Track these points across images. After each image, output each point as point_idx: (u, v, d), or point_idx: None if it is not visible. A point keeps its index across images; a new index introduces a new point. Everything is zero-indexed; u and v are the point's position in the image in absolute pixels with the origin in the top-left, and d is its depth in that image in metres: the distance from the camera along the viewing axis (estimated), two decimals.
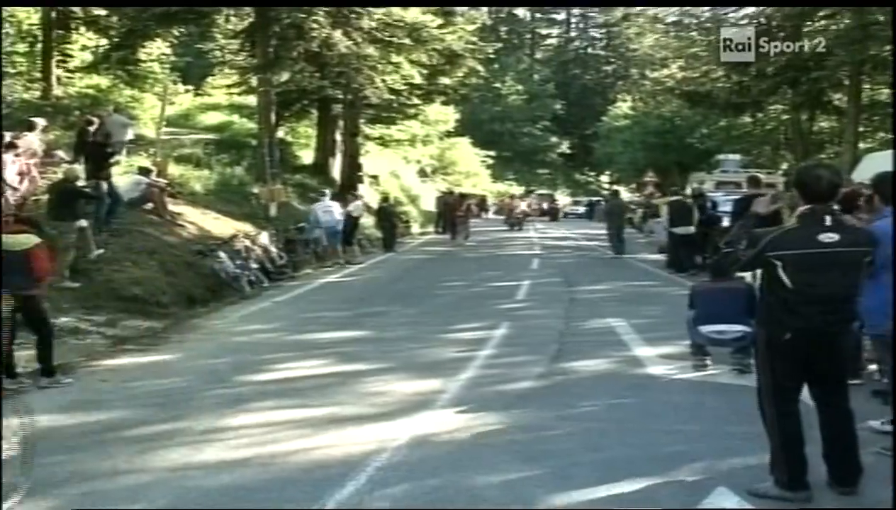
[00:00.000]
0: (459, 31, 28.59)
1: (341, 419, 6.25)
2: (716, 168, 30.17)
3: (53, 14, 21.98)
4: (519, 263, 19.97)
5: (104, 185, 13.43)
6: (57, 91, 21.84)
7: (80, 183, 12.57)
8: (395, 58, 25.74)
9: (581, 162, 74.68)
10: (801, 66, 26.44)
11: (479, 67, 31.28)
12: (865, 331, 6.17)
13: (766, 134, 39.62)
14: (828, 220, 4.41)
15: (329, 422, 6.15)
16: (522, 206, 41.16)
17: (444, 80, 30.49)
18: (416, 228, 33.73)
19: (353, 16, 23.47)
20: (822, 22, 27.64)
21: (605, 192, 44.19)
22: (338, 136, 30.72)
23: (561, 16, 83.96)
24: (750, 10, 30.45)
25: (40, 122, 14.74)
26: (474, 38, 30.00)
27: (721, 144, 40.58)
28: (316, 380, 7.67)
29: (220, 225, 17.03)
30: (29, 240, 7.51)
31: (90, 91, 23.38)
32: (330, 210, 19.40)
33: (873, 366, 6.95)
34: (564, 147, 73.55)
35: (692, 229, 16.92)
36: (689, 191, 21.03)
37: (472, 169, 56.94)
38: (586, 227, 37.15)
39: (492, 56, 35.80)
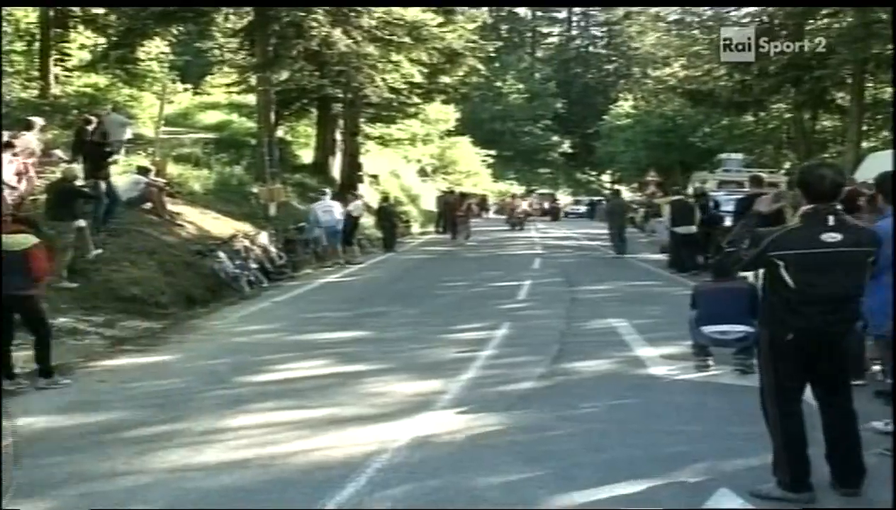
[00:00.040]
0: (460, 30, 28.57)
1: (341, 420, 6.25)
2: (718, 167, 30.18)
3: (51, 13, 21.98)
4: (520, 263, 19.97)
5: (102, 185, 13.43)
6: (55, 90, 21.85)
7: (79, 182, 12.57)
8: (395, 56, 25.75)
9: (582, 161, 74.70)
10: (804, 65, 26.45)
11: (480, 66, 31.26)
12: (869, 332, 6.17)
13: (768, 133, 39.63)
14: (831, 220, 4.41)
15: (329, 423, 6.15)
16: (524, 205, 41.15)
17: (445, 79, 30.48)
18: (416, 228, 33.75)
19: (353, 14, 23.46)
20: (826, 20, 27.64)
21: (607, 192, 44.13)
22: (338, 136, 30.72)
23: (562, 14, 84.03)
24: (752, 8, 30.47)
25: (38, 121, 14.74)
26: (475, 37, 29.99)
27: (723, 143, 40.61)
28: (316, 381, 7.67)
29: (219, 225, 17.03)
30: (27, 240, 7.51)
31: (88, 90, 23.37)
32: (330, 209, 19.39)
33: (877, 367, 6.96)
34: (566, 146, 73.59)
35: (694, 229, 16.93)
36: (691, 190, 21.04)
37: (472, 168, 56.92)
38: (588, 226, 37.17)
39: (492, 54, 35.81)
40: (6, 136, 12.75)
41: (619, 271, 18.29)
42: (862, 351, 6.73)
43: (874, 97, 29.36)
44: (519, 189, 57.88)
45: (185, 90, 33.03)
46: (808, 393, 4.69)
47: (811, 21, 28.26)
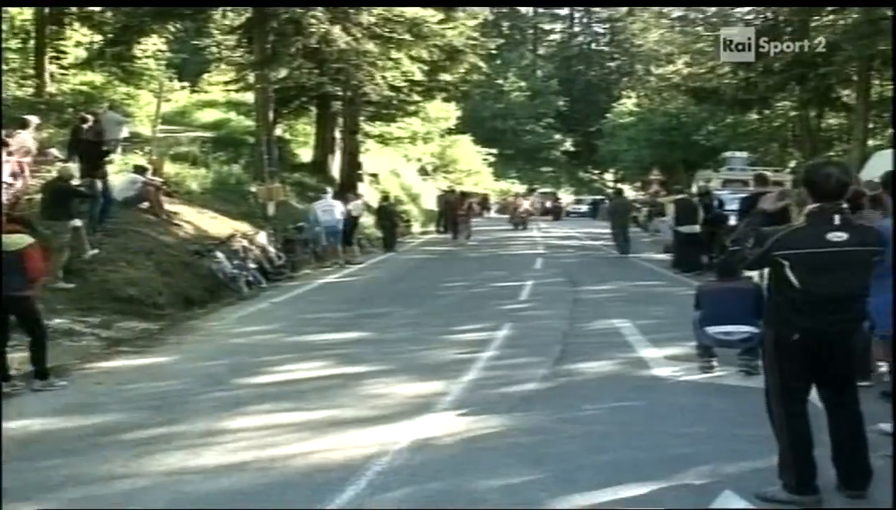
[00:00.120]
0: (460, 27, 28.54)
1: (341, 422, 6.25)
2: (722, 166, 30.20)
3: (47, 10, 21.99)
4: (522, 263, 19.97)
5: (99, 184, 13.43)
6: (50, 88, 21.88)
7: (75, 182, 12.57)
8: (395, 54, 25.72)
9: (585, 160, 74.69)
10: (809, 62, 26.44)
11: (481, 63, 31.23)
12: (875, 332, 6.17)
13: (773, 131, 39.62)
14: (836, 219, 4.41)
15: (329, 425, 6.15)
16: (525, 204, 41.18)
17: (445, 77, 30.44)
18: (416, 228, 33.76)
19: (353, 11, 23.46)
20: (831, 17, 27.62)
21: (610, 191, 44.14)
22: (337, 134, 30.72)
23: (564, 11, 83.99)
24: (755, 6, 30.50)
25: (34, 119, 14.74)
26: (476, 34, 29.97)
27: (727, 142, 40.59)
28: (315, 383, 7.67)
29: (217, 224, 17.03)
30: (22, 240, 7.51)
31: (84, 88, 23.42)
32: (330, 209, 19.39)
33: (883, 368, 6.95)
34: (568, 145, 73.61)
35: (697, 228, 16.94)
36: (695, 189, 21.04)
37: (473, 167, 56.92)
38: (590, 225, 37.15)
39: (494, 52, 35.76)
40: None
41: (623, 271, 18.29)
42: (868, 351, 6.73)
43: (880, 94, 29.35)
44: (521, 188, 57.88)
45: (183, 88, 33.05)
46: (813, 394, 4.69)
47: (816, 17, 28.24)
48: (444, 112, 42.60)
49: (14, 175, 12.56)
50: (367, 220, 25.29)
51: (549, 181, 67.40)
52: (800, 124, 34.46)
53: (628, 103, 62.53)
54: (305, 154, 31.35)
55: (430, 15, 26.09)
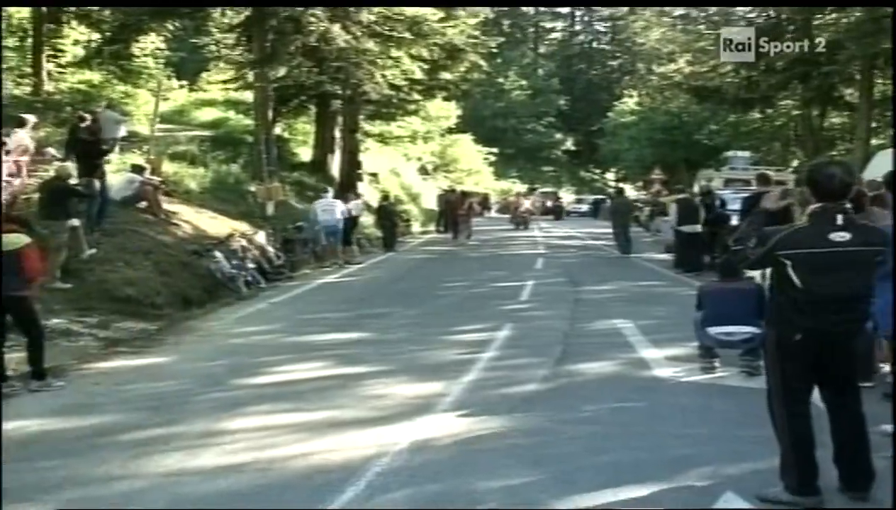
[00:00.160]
0: (461, 25, 28.55)
1: (341, 423, 6.26)
2: (724, 165, 30.21)
3: (44, 8, 21.99)
4: (523, 263, 19.97)
5: (97, 184, 13.43)
6: (48, 87, 21.89)
7: (73, 181, 12.57)
8: (394, 52, 25.74)
9: (586, 159, 74.67)
10: (812, 61, 26.42)
11: (482, 62, 31.22)
12: (879, 333, 6.17)
13: (775, 130, 39.63)
14: (839, 219, 4.41)
15: (328, 426, 6.15)
16: (526, 204, 41.17)
17: (446, 76, 30.45)
18: (416, 227, 33.75)
19: (352, 9, 23.47)
20: (833, 15, 27.61)
21: (611, 190, 44.15)
22: (337, 133, 30.71)
23: (565, 9, 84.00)
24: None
25: (31, 118, 14.75)
26: (476, 32, 29.99)
27: (730, 141, 40.60)
28: (315, 383, 7.67)
29: (215, 224, 17.03)
30: (20, 239, 7.51)
31: (82, 87, 23.43)
32: (330, 209, 19.40)
33: (886, 368, 6.94)
34: (569, 144, 73.62)
35: (699, 228, 16.95)
36: (696, 188, 21.04)
37: (474, 166, 56.95)
38: (591, 225, 37.14)
39: (494, 50, 35.76)
40: None
41: (624, 271, 18.29)
42: (871, 352, 6.73)
43: (883, 93, 29.34)
44: (521, 187, 57.87)
45: (181, 87, 33.06)
46: (815, 395, 4.69)
47: (819, 15, 28.23)
48: (445, 111, 42.60)
49: (11, 174, 12.56)
50: (367, 220, 25.30)
51: (550, 180, 67.39)
52: (802, 123, 34.46)
53: (630, 102, 62.47)
54: (305, 153, 31.35)
55: (431, 13, 26.09)
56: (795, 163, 36.17)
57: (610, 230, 23.61)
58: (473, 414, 6.49)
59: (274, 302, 13.41)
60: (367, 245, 23.87)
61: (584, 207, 52.96)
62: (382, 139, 37.91)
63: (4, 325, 7.66)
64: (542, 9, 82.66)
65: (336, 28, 22.63)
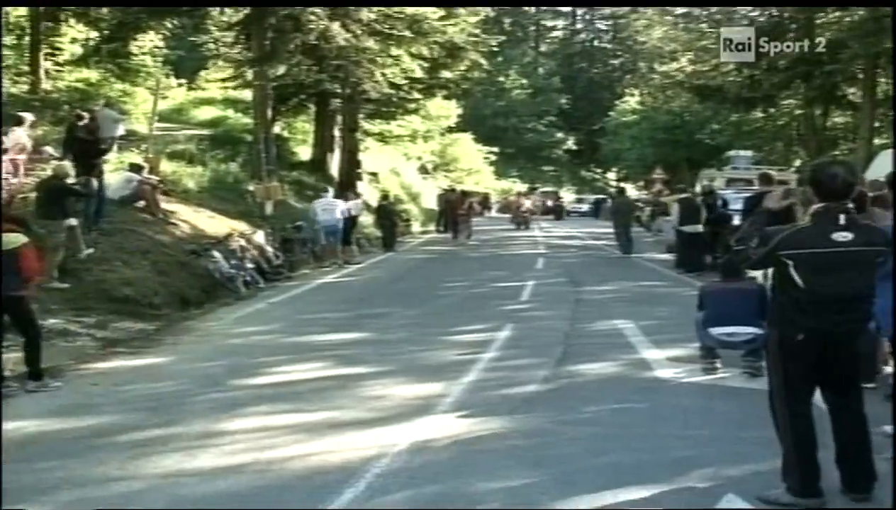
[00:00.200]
0: (461, 24, 28.55)
1: (340, 424, 6.26)
2: (726, 165, 30.20)
3: (42, 7, 21.99)
4: (523, 263, 19.97)
5: (94, 183, 13.43)
6: (46, 85, 21.87)
7: (70, 180, 12.56)
8: (394, 51, 25.73)
9: (587, 158, 74.68)
10: (814, 60, 26.40)
11: (482, 60, 31.23)
12: (882, 333, 6.17)
13: (778, 129, 39.60)
14: (842, 219, 4.41)
15: (327, 427, 6.16)
16: (528, 203, 41.15)
17: (446, 74, 30.45)
18: (416, 227, 33.75)
19: (352, 7, 23.46)
20: (837, 13, 27.60)
21: (612, 190, 44.16)
22: (336, 132, 30.72)
23: (566, 7, 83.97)
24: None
25: (28, 116, 14.75)
26: (477, 31, 29.98)
27: (732, 140, 40.56)
28: (314, 384, 7.68)
29: (214, 223, 17.04)
30: (17, 239, 7.50)
31: (80, 85, 23.40)
32: (330, 208, 19.42)
33: (889, 369, 6.94)
34: (570, 143, 73.60)
35: (700, 228, 16.96)
36: (698, 188, 21.05)
37: (474, 165, 56.96)
38: (592, 225, 37.14)
39: (495, 49, 35.73)
40: None
41: (625, 271, 18.30)
42: (874, 352, 6.73)
43: (886, 93, 29.31)
44: (522, 187, 57.86)
45: (180, 85, 33.07)
46: (817, 396, 4.69)
47: (821, 14, 28.21)
48: (445, 110, 42.60)
49: (8, 173, 12.56)
50: (367, 220, 25.30)
51: (550, 180, 67.37)
52: (805, 123, 34.42)
53: (631, 101, 62.45)
54: (304, 152, 31.35)
55: (431, 11, 26.09)
56: (798, 162, 36.16)
57: (611, 230, 23.62)
58: (473, 415, 6.49)
59: (273, 302, 13.42)
60: (367, 245, 23.87)
61: (585, 207, 52.94)
62: (382, 138, 37.90)
63: (2, 326, 7.65)
64: (543, 7, 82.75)
65: (336, 26, 22.64)
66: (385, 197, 26.64)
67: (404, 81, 27.38)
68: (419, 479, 5.05)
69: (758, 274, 8.09)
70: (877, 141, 28.60)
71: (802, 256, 4.41)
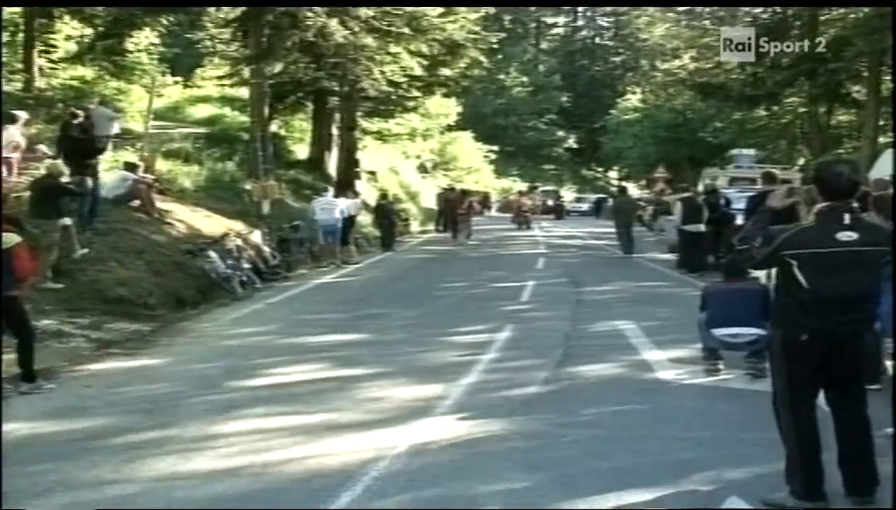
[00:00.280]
0: (461, 21, 28.56)
1: (338, 426, 6.25)
2: (729, 163, 30.15)
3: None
4: (523, 263, 19.97)
5: (89, 182, 13.42)
6: (40, 83, 21.85)
7: (64, 179, 12.55)
8: (393, 48, 25.74)
9: (588, 157, 74.65)
10: (818, 58, 26.40)
11: (482, 58, 31.23)
12: (887, 334, 6.17)
13: (781, 128, 39.57)
14: (847, 218, 4.41)
15: (325, 430, 6.15)
16: (529, 203, 41.10)
17: (445, 72, 30.45)
18: (415, 226, 33.76)
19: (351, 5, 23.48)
20: (841, 10, 27.60)
21: (614, 189, 44.18)
22: (334, 130, 30.73)
23: (567, 7, 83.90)
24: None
25: (22, 114, 14.74)
26: (477, 28, 29.99)
27: (735, 138, 40.52)
28: (311, 386, 7.67)
29: (210, 223, 17.04)
30: (10, 239, 7.49)
31: (74, 83, 23.41)
32: (329, 208, 19.43)
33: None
34: (571, 141, 73.56)
35: (702, 227, 16.97)
36: (701, 187, 21.05)
37: (474, 164, 56.94)
38: (593, 225, 37.14)
39: (495, 46, 35.76)
40: None
41: (626, 271, 18.30)
42: (879, 353, 6.72)
43: (891, 90, 29.32)
44: (522, 186, 57.85)
45: (176, 83, 33.03)
46: (820, 399, 4.69)
47: (826, 12, 28.22)
48: (444, 108, 42.62)
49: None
50: (365, 219, 25.30)
51: (551, 179, 67.36)
52: (809, 121, 34.40)
53: (633, 99, 62.44)
54: (301, 151, 31.36)
55: (430, 8, 26.08)
56: (802, 161, 36.18)
57: (612, 229, 23.62)
58: (473, 417, 6.49)
59: (270, 302, 13.42)
60: (365, 244, 23.88)
61: (585, 206, 52.90)
62: (381, 137, 37.91)
63: (1, 327, 7.64)
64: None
65: (334, 23, 22.65)
66: (384, 196, 26.66)
67: (403, 79, 27.37)
68: (418, 482, 5.05)
69: (761, 274, 8.09)
70: (881, 139, 28.57)
71: (806, 256, 4.41)
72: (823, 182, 4.52)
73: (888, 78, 28.58)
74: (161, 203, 16.30)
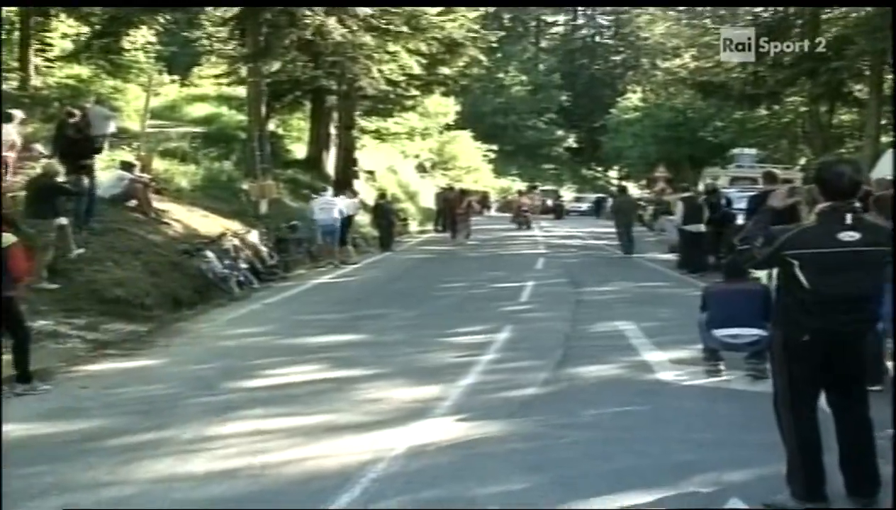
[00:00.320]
0: (460, 19, 28.56)
1: (336, 427, 6.26)
2: (730, 163, 30.17)
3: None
4: (523, 263, 19.98)
5: (85, 181, 13.41)
6: (36, 81, 21.84)
7: (60, 178, 12.54)
8: (392, 46, 25.72)
9: (588, 156, 74.65)
10: (820, 57, 26.41)
11: (481, 57, 31.25)
12: (889, 334, 6.17)
13: (783, 127, 39.60)
14: (849, 218, 4.41)
15: (323, 431, 6.15)
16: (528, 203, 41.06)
17: (444, 70, 30.46)
18: (414, 226, 33.76)
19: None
20: (843, 9, 27.61)
21: (614, 188, 44.19)
22: (332, 130, 30.71)
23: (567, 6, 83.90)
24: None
25: (18, 113, 14.73)
26: (476, 26, 29.99)
27: (736, 138, 40.54)
28: (309, 387, 7.67)
29: (207, 223, 17.03)
30: (6, 238, 7.49)
31: (71, 81, 23.39)
32: (328, 207, 19.43)
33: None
34: (571, 141, 73.54)
35: (702, 227, 16.98)
36: (702, 187, 21.06)
37: (473, 164, 56.92)
38: (593, 224, 37.16)
39: (494, 45, 35.79)
40: None
41: (626, 272, 18.30)
42: (881, 354, 6.72)
43: (893, 89, 29.35)
44: (521, 185, 57.84)
45: (172, 82, 33.01)
46: (821, 400, 4.69)
47: (828, 10, 28.22)
48: (443, 107, 42.62)
49: None
50: (363, 219, 25.29)
51: (551, 178, 67.35)
52: (810, 120, 34.42)
53: (633, 98, 62.49)
54: (299, 150, 31.34)
55: (429, 7, 26.08)
56: (803, 160, 36.17)
57: (612, 229, 23.63)
58: (472, 418, 6.49)
59: (267, 303, 13.41)
60: (364, 244, 23.88)
61: (584, 206, 52.88)
62: (379, 136, 37.89)
63: (1, 327, 7.64)
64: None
65: (332, 21, 22.64)
66: (382, 195, 26.65)
67: (402, 78, 27.35)
68: (416, 484, 5.06)
69: (762, 274, 8.09)
70: (884, 138, 28.60)
71: (808, 256, 4.41)
72: (825, 182, 4.52)
73: (890, 77, 28.60)
74: (158, 202, 16.29)
